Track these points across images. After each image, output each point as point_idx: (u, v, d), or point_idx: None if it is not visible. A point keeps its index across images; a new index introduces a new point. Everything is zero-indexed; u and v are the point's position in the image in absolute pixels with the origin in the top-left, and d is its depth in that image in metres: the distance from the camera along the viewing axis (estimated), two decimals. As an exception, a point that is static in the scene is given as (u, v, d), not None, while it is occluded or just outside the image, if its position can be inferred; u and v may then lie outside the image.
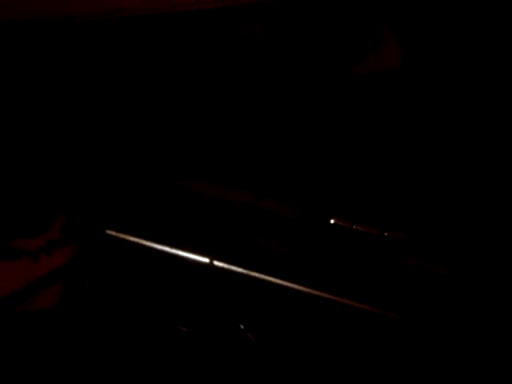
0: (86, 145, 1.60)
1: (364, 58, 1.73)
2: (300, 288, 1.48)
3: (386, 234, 1.51)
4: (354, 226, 1.52)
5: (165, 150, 1.60)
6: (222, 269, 1.49)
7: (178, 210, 1.55)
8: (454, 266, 1.48)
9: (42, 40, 1.61)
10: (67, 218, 1.57)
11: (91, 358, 1.50)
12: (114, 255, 1.52)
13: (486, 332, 1.42)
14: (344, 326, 1.48)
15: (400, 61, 1.72)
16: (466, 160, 1.57)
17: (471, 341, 1.42)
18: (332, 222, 1.53)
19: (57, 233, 1.61)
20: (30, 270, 1.56)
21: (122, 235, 1.50)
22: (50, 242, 1.60)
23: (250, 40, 1.65)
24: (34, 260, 1.57)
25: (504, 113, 1.58)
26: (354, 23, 1.74)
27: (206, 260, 1.50)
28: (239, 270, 1.49)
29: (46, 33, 1.60)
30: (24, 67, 1.61)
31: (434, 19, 1.67)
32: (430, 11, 1.65)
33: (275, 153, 1.59)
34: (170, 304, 1.52)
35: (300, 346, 1.47)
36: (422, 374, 1.43)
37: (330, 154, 1.60)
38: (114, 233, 1.50)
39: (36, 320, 1.55)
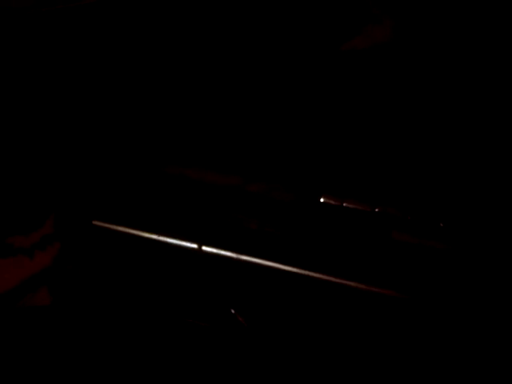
0: (70, 137, 1.60)
1: (354, 33, 1.70)
2: (292, 269, 1.46)
3: (376, 210, 1.48)
4: (345, 204, 1.49)
5: (148, 138, 1.59)
6: (211, 254, 1.47)
7: (165, 197, 1.53)
8: (448, 241, 1.44)
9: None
10: (57, 211, 1.57)
11: (92, 349, 1.50)
12: (103, 246, 1.51)
13: (484, 306, 1.38)
14: (338, 305, 1.45)
15: (391, 35, 1.69)
16: (458, 134, 1.53)
17: (469, 317, 1.38)
18: (322, 200, 1.50)
19: (51, 228, 1.61)
20: (25, 267, 1.57)
21: (108, 225, 1.50)
22: (45, 237, 1.61)
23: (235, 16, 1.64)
24: (29, 257, 1.57)
25: (496, 83, 1.54)
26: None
27: (194, 246, 1.48)
28: (228, 254, 1.47)
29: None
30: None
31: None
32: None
33: (260, 134, 1.57)
34: (160, 291, 1.50)
35: (293, 328, 1.45)
36: (419, 352, 1.39)
37: (317, 131, 1.57)
38: (100, 223, 1.50)
39: (35, 316, 1.55)
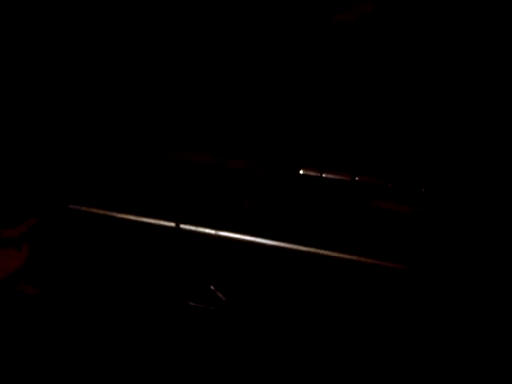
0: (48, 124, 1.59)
1: (342, 6, 1.68)
2: (272, 243, 1.43)
3: (357, 178, 1.44)
4: (324, 175, 1.46)
5: (124, 118, 1.57)
6: (190, 231, 1.45)
7: (141, 177, 1.52)
8: (429, 206, 1.40)
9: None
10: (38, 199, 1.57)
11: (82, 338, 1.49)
12: (82, 229, 1.50)
13: (470, 270, 1.33)
14: (322, 277, 1.41)
15: (376, 7, 1.66)
16: (440, 103, 1.49)
17: (457, 282, 1.33)
18: (301, 172, 1.47)
19: (38, 219, 1.62)
20: (14, 259, 1.57)
21: (85, 209, 1.49)
22: (32, 228, 1.61)
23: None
24: (17, 249, 1.58)
25: (482, 59, 1.50)
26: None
27: (171, 224, 1.46)
28: (207, 230, 1.45)
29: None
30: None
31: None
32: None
33: (237, 109, 1.55)
34: (141, 271, 1.49)
35: (274, 302, 1.41)
36: (411, 323, 1.35)
37: (296, 104, 1.54)
38: (77, 207, 1.48)
39: (24, 306, 1.55)
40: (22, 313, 1.53)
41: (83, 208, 1.47)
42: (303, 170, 1.47)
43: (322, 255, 1.41)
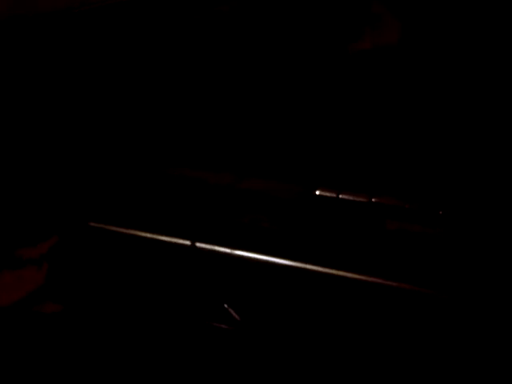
0: (66, 142, 1.62)
1: (361, 35, 1.70)
2: (286, 262, 1.42)
3: (373, 200, 1.44)
4: (341, 195, 1.46)
5: (141, 138, 1.60)
6: (205, 250, 1.46)
7: (157, 196, 1.53)
8: (446, 228, 1.39)
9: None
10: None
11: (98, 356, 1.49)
12: (99, 246, 1.52)
13: (484, 293, 1.31)
14: (337, 298, 1.40)
15: (397, 37, 1.68)
16: (454, 125, 1.50)
17: (470, 304, 1.32)
18: (317, 193, 1.47)
19: (58, 238, 1.63)
20: (34, 279, 1.59)
21: (104, 226, 1.50)
22: (53, 247, 1.62)
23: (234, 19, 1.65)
24: (38, 268, 1.59)
25: (499, 85, 1.51)
26: (350, 0, 1.72)
27: (187, 242, 1.47)
28: (222, 249, 1.45)
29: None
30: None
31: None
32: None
33: (253, 129, 1.56)
34: (156, 289, 1.49)
35: (288, 322, 1.41)
36: (418, 341, 1.33)
37: (312, 125, 1.55)
38: (96, 224, 1.50)
39: (44, 325, 1.55)
40: (43, 331, 1.54)
41: (102, 225, 1.49)
42: (320, 190, 1.47)
43: (338, 276, 1.40)
